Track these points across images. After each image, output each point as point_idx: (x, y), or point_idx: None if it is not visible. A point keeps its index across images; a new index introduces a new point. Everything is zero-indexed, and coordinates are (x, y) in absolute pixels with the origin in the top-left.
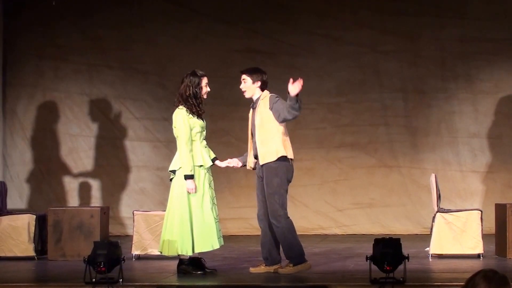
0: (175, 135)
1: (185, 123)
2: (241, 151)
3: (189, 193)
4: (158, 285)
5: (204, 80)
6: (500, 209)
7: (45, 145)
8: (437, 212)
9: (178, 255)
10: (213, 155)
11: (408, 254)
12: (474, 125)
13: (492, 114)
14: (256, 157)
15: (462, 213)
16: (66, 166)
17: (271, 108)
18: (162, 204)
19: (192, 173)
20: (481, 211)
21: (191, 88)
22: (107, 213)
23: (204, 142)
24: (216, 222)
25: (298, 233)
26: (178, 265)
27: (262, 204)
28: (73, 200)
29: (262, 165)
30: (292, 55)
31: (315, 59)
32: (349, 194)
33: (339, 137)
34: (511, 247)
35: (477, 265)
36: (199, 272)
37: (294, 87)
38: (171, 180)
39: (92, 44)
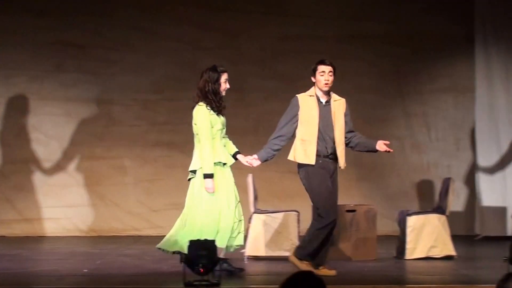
0: (195, 132)
1: (206, 121)
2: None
3: (208, 192)
4: None
5: (224, 76)
6: None
7: None
8: (253, 213)
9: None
10: (234, 149)
11: (223, 257)
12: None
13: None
14: None
15: (279, 214)
16: None
17: None
18: None
19: (212, 172)
20: (298, 212)
21: (210, 84)
22: None
23: (224, 140)
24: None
25: (110, 234)
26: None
27: None
28: None
29: None
30: (107, 49)
31: (132, 53)
32: (164, 195)
33: (154, 136)
34: None
35: (291, 267)
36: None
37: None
38: (189, 180)
39: None
